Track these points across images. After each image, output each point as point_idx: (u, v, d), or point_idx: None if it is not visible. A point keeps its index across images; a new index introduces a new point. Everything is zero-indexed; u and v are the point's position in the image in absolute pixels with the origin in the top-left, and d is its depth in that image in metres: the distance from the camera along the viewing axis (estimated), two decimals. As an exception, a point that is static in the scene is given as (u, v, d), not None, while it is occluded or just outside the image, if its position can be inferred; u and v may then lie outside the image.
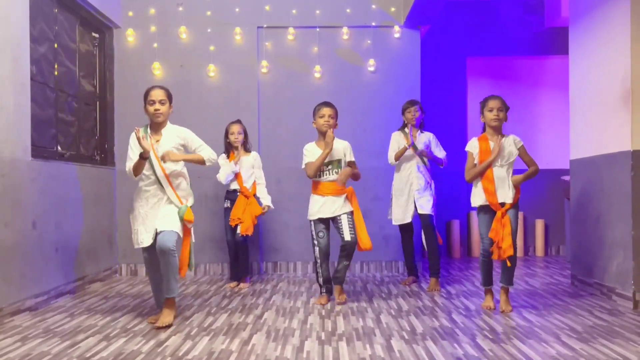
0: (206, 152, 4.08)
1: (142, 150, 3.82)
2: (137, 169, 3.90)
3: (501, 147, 4.19)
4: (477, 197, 4.31)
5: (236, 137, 5.30)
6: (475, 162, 4.30)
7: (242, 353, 3.24)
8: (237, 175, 5.30)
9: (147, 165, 3.92)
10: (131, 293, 5.13)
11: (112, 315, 4.23)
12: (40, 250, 4.52)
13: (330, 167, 4.59)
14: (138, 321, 4.03)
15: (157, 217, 3.91)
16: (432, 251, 5.18)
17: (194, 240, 4.13)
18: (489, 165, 4.20)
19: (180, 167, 4.03)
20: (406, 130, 5.33)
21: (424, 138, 5.31)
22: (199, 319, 4.07)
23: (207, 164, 4.09)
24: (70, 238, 5.06)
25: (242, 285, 5.35)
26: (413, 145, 5.17)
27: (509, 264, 4.20)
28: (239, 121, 5.42)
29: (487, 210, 4.26)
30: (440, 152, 5.32)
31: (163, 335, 3.64)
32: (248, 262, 5.45)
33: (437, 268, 5.16)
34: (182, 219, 3.92)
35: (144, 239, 3.93)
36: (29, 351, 3.30)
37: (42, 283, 4.55)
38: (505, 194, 4.20)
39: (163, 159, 3.87)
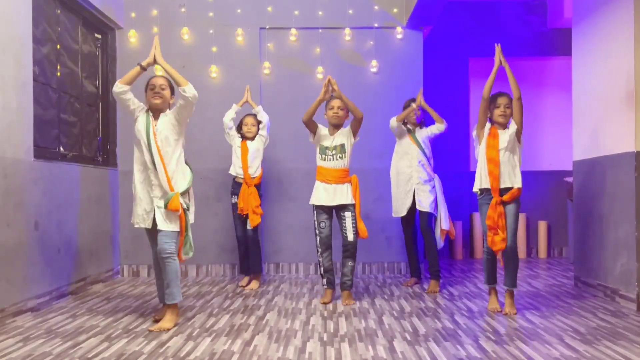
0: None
1: (145, 62, 3.89)
2: (130, 77, 3.92)
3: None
4: (479, 181, 4.29)
5: (249, 129, 5.38)
6: (482, 141, 4.30)
7: (244, 354, 3.23)
8: (242, 162, 5.31)
9: (144, 149, 3.85)
10: (133, 294, 5.12)
11: (114, 316, 4.22)
12: (42, 251, 4.52)
13: (334, 152, 4.62)
14: (140, 322, 4.02)
15: (155, 206, 3.84)
16: (430, 252, 5.15)
17: (192, 221, 4.02)
18: (495, 75, 4.28)
19: (178, 155, 3.94)
20: (408, 126, 5.30)
21: (425, 132, 5.28)
22: (201, 320, 4.06)
23: (186, 93, 3.83)
24: (72, 239, 5.06)
25: (252, 284, 5.34)
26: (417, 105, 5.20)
27: (502, 263, 4.21)
28: (254, 115, 5.52)
29: (489, 200, 4.24)
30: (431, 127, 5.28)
31: (165, 336, 3.63)
32: (261, 258, 5.46)
33: (437, 269, 5.14)
34: (166, 207, 3.81)
35: (139, 221, 3.93)
36: (30, 352, 3.29)
37: (44, 284, 4.55)
38: (512, 179, 4.19)
39: (150, 59, 3.88)
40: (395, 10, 6.24)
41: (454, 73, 7.70)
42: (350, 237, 4.60)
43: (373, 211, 6.08)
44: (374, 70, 6.24)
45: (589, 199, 5.00)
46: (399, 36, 6.25)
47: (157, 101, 3.92)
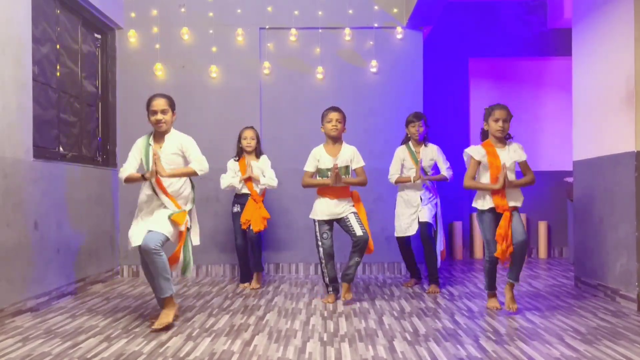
0: (197, 165, 3.98)
1: (147, 171, 3.88)
2: (131, 182, 3.97)
3: (505, 172, 4.14)
4: (481, 201, 4.27)
5: (248, 143, 5.34)
6: (483, 163, 4.26)
7: (243, 354, 3.22)
8: (246, 182, 5.32)
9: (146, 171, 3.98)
10: (132, 294, 5.12)
11: (114, 316, 4.22)
12: (41, 251, 4.51)
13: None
14: (139, 322, 4.01)
15: (150, 220, 3.90)
16: (430, 260, 5.14)
17: (197, 243, 4.13)
18: (488, 188, 4.17)
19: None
20: (410, 145, 5.26)
21: (430, 154, 5.24)
22: (201, 320, 4.05)
23: (199, 174, 4.01)
24: (71, 239, 5.05)
25: (253, 283, 5.34)
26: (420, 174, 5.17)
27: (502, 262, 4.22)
28: (252, 127, 5.47)
29: (491, 213, 4.23)
30: (447, 171, 5.24)
31: (164, 336, 3.62)
32: (261, 257, 5.45)
33: (436, 277, 5.14)
34: (169, 218, 3.86)
35: (135, 240, 3.89)
36: (30, 352, 3.29)
37: (44, 284, 4.54)
38: (515, 198, 4.20)
39: (152, 174, 3.84)
40: (395, 10, 6.24)
41: (454, 73, 7.69)
42: (359, 232, 4.56)
43: (373, 211, 6.07)
44: (373, 70, 6.23)
45: (589, 199, 4.99)
46: (399, 36, 6.24)
47: (163, 128, 3.97)
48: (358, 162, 4.70)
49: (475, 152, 4.27)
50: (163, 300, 3.88)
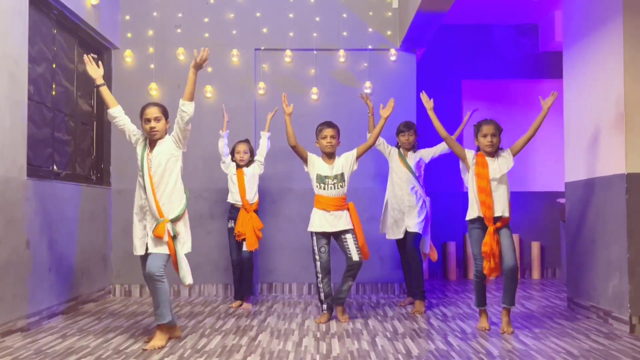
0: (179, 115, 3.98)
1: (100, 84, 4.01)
2: (103, 99, 4.09)
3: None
4: (472, 210, 4.34)
5: (242, 157, 5.37)
6: (470, 170, 4.39)
7: (235, 375, 3.20)
8: (239, 189, 5.32)
9: (140, 176, 3.93)
10: (125, 314, 5.08)
11: (105, 336, 4.18)
12: (33, 269, 4.48)
13: (334, 181, 4.66)
14: (131, 342, 3.98)
15: (147, 230, 3.88)
16: (415, 272, 5.16)
17: (189, 250, 4.02)
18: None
19: (173, 182, 3.96)
20: (401, 151, 5.37)
21: (417, 157, 5.38)
22: (193, 341, 4.03)
23: (183, 107, 3.96)
24: (64, 258, 5.03)
25: (245, 306, 5.33)
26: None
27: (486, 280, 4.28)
28: (246, 140, 5.49)
29: (479, 227, 4.27)
30: (435, 148, 5.42)
31: (156, 357, 3.60)
32: (252, 280, 5.43)
33: (422, 290, 5.14)
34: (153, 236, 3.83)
35: (136, 248, 3.94)
36: (19, 372, 3.26)
37: (35, 303, 4.51)
38: (502, 208, 4.24)
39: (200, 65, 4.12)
40: (389, 32, 6.32)
41: (448, 94, 7.76)
42: (356, 257, 4.63)
43: (366, 231, 6.01)
44: (367, 91, 6.28)
45: (581, 220, 5.02)
46: (393, 58, 6.31)
47: (156, 137, 3.97)
48: (353, 152, 4.78)
49: (470, 153, 4.40)
50: (158, 325, 3.86)
